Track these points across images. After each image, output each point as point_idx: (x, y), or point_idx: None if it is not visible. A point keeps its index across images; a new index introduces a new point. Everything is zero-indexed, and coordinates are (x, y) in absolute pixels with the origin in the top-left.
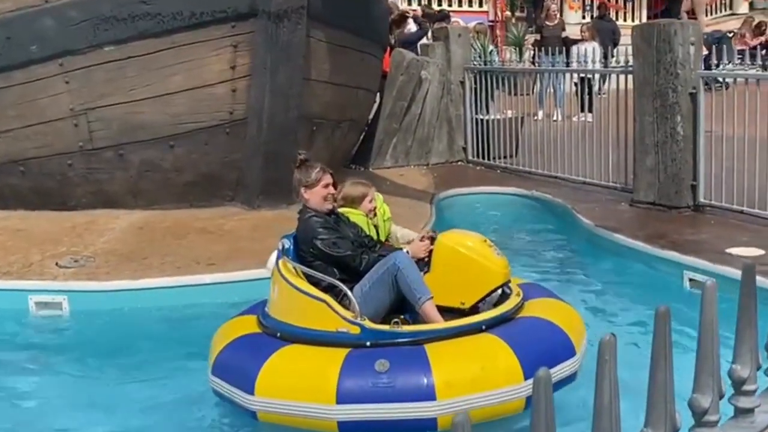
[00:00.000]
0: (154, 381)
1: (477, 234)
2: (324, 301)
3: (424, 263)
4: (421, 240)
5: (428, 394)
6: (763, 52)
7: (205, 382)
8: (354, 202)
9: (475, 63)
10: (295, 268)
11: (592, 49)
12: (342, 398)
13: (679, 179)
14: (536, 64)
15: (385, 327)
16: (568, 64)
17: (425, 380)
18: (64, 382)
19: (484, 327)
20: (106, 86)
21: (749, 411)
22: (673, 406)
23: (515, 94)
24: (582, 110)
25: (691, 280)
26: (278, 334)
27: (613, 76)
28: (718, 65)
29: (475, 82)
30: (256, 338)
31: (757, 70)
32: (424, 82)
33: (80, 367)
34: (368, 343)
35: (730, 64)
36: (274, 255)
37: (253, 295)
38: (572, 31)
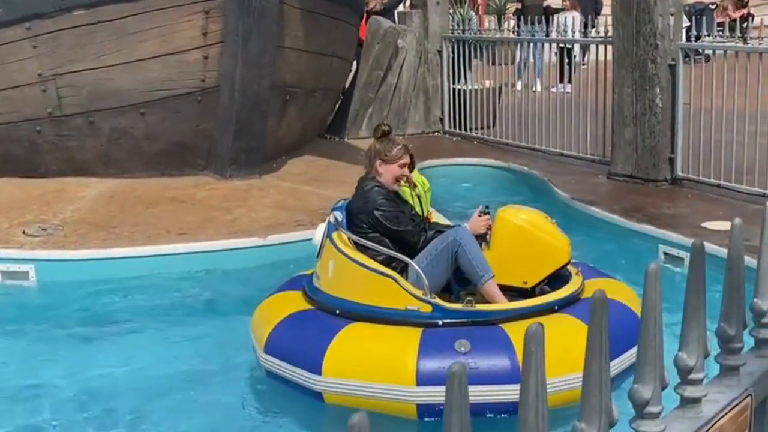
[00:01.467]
0: (123, 351)
1: (537, 210)
2: (392, 277)
3: (482, 240)
4: (480, 215)
5: (514, 377)
6: (744, 24)
7: (172, 350)
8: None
9: (453, 32)
10: (350, 239)
11: (572, 18)
12: (422, 380)
13: (657, 152)
14: (516, 34)
15: (458, 305)
16: (547, 34)
17: (509, 362)
18: (30, 353)
19: (556, 307)
20: (75, 51)
21: (696, 401)
22: (609, 398)
23: (494, 64)
24: (561, 81)
25: (666, 254)
26: (337, 312)
27: (594, 46)
28: (698, 37)
29: (453, 52)
30: (311, 315)
31: (737, 43)
32: (401, 51)
33: (46, 338)
34: (440, 323)
35: (711, 36)
36: (321, 228)
37: (225, 265)
38: (554, 1)
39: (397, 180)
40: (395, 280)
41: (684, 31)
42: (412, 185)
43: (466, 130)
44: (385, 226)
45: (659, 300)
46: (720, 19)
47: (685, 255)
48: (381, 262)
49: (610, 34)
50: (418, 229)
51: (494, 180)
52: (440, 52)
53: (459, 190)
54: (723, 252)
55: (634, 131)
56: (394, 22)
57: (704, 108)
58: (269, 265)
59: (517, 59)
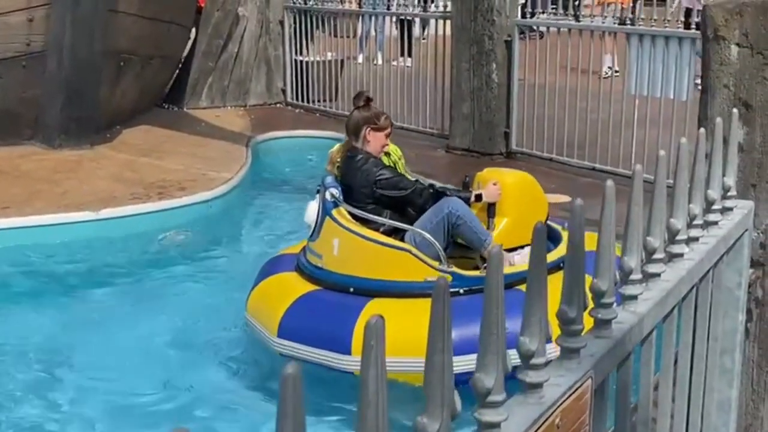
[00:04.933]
0: None
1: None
2: (408, 250)
3: (491, 207)
4: (494, 184)
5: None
6: (576, 2)
7: (16, 328)
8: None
9: (295, 2)
10: (351, 214)
11: None
12: (460, 349)
13: (493, 126)
14: (359, 6)
15: (477, 272)
16: (389, 8)
17: None
18: None
19: (562, 264)
20: None
21: (538, 386)
22: (452, 390)
23: (336, 36)
24: (402, 54)
25: None
26: (351, 290)
27: (433, 20)
28: (533, 14)
29: (295, 22)
30: (324, 296)
31: (570, 21)
32: (242, 19)
33: None
34: (461, 291)
35: (545, 14)
36: (312, 206)
37: (53, 241)
38: None
39: (382, 148)
40: (411, 252)
41: (519, 7)
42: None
43: (308, 102)
44: (391, 194)
45: (501, 282)
46: None
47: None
48: (383, 234)
49: (449, 9)
50: (423, 186)
51: None
52: (282, 23)
53: (302, 163)
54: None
55: (472, 106)
56: None
57: (538, 84)
58: (102, 241)
59: (359, 32)
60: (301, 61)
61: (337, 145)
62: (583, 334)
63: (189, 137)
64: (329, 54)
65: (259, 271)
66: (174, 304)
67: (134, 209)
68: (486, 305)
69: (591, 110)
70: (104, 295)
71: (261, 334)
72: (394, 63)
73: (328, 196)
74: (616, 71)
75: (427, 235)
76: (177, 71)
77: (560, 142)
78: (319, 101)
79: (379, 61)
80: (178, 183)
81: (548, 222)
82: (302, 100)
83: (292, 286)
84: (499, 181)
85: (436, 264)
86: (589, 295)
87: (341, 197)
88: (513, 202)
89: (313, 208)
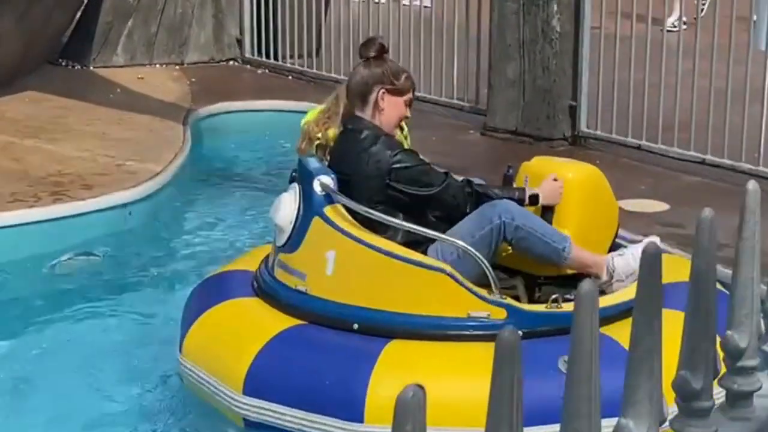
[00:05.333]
0: None
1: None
2: (446, 272)
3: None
4: (555, 180)
5: None
6: None
7: None
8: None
9: None
10: (352, 213)
11: None
12: (528, 419)
13: (554, 98)
14: None
15: (541, 307)
16: None
17: None
18: None
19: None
20: None
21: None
22: (660, 392)
23: None
24: None
25: None
26: (355, 326)
27: None
28: None
29: None
30: (313, 334)
31: None
32: None
33: None
34: (520, 333)
35: None
36: (286, 200)
37: None
38: None
39: (399, 120)
40: (452, 275)
41: None
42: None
43: (277, 58)
44: (411, 191)
45: (596, 338)
46: None
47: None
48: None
49: None
50: (458, 182)
51: None
52: None
53: (267, 149)
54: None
55: (521, 67)
56: None
57: (621, 35)
58: None
59: None
60: None
61: (313, 112)
62: (712, 414)
63: (97, 110)
64: None
65: (195, 296)
66: (69, 358)
67: (15, 217)
68: (572, 377)
69: (700, 74)
70: None
71: (213, 391)
72: (406, 2)
73: (317, 186)
74: (684, 23)
75: (474, 251)
76: (80, 12)
77: (653, 122)
78: (292, 57)
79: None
80: (80, 178)
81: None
82: (267, 56)
83: (260, 320)
84: (560, 176)
85: (484, 293)
86: (721, 355)
87: (336, 188)
88: (577, 205)
89: (287, 203)
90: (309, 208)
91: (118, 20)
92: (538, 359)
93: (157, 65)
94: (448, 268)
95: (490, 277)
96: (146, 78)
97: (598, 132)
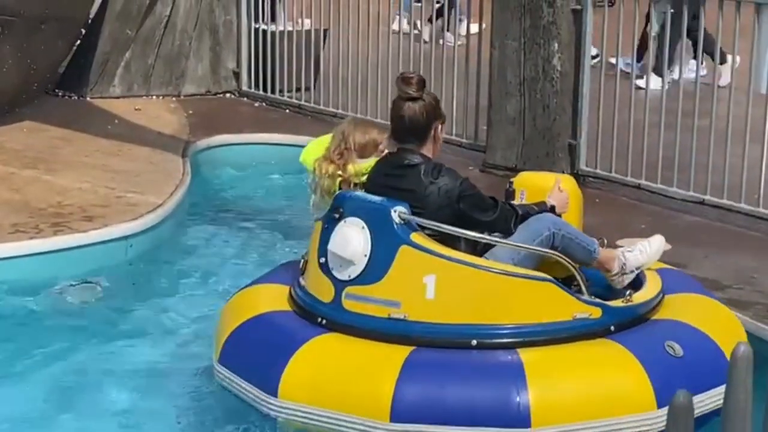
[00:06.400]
0: None
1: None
2: (550, 280)
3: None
4: (560, 190)
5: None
6: None
7: None
8: (364, 151)
9: None
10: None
11: None
12: (662, 401)
13: (553, 135)
14: None
15: (622, 302)
16: None
17: (719, 356)
18: None
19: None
20: None
21: None
22: None
23: None
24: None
25: None
26: (474, 343)
27: None
28: None
29: None
30: (437, 357)
31: None
32: None
33: None
34: (612, 327)
35: None
36: (355, 234)
37: None
38: None
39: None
40: (555, 283)
41: None
42: None
43: (273, 91)
44: (476, 216)
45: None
46: None
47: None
48: None
49: None
50: (508, 207)
51: None
52: None
53: (266, 183)
54: None
55: (521, 104)
56: None
57: (621, 75)
58: None
59: None
60: (264, 31)
61: (313, 147)
62: None
63: (96, 141)
64: (306, 21)
65: (249, 344)
66: (68, 396)
67: (15, 249)
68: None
69: (700, 114)
70: None
71: (349, 426)
72: (426, 37)
73: (395, 217)
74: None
75: (566, 261)
76: (78, 42)
77: (653, 162)
78: (290, 91)
79: (405, 28)
80: (81, 210)
81: None
82: (265, 89)
83: (373, 353)
84: (566, 189)
85: (581, 296)
86: None
87: (410, 213)
88: (575, 211)
89: (355, 237)
90: (389, 238)
91: (116, 51)
92: (650, 347)
93: (154, 97)
94: (549, 277)
95: (580, 281)
96: (143, 109)
97: (598, 170)
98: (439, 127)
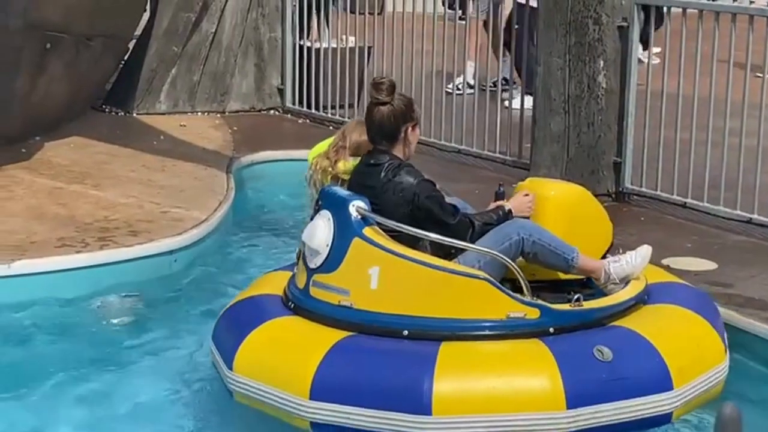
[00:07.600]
0: None
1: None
2: (486, 279)
3: None
4: (525, 195)
5: (665, 385)
6: None
7: None
8: (358, 150)
9: None
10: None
11: None
12: (572, 402)
13: (598, 154)
14: None
15: (566, 306)
16: None
17: (659, 367)
18: None
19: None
20: None
21: None
22: None
23: (359, 13)
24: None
25: None
26: (405, 333)
27: None
28: None
29: None
30: (368, 343)
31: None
32: None
33: None
34: (551, 329)
35: None
36: (320, 226)
37: None
38: None
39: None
40: (490, 282)
41: None
42: None
43: (317, 108)
44: (433, 215)
45: None
46: None
47: None
48: None
49: None
50: (467, 218)
51: None
52: None
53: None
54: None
55: (566, 122)
56: None
57: (667, 92)
58: (12, 308)
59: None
60: (309, 48)
61: (320, 146)
62: None
63: (142, 156)
64: (350, 39)
65: (230, 320)
66: (117, 404)
67: (62, 262)
68: None
69: (748, 133)
70: (5, 387)
71: (275, 400)
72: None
73: (353, 210)
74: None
75: (511, 263)
76: (125, 59)
77: (699, 180)
78: (333, 107)
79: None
80: (127, 224)
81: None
82: (308, 106)
83: (312, 335)
84: (534, 193)
85: (519, 296)
86: None
87: (370, 209)
88: (558, 219)
89: (321, 228)
90: (346, 230)
91: (162, 67)
92: (575, 349)
93: (199, 113)
94: (485, 275)
95: (522, 282)
96: (188, 125)
97: (643, 188)
98: (409, 129)
